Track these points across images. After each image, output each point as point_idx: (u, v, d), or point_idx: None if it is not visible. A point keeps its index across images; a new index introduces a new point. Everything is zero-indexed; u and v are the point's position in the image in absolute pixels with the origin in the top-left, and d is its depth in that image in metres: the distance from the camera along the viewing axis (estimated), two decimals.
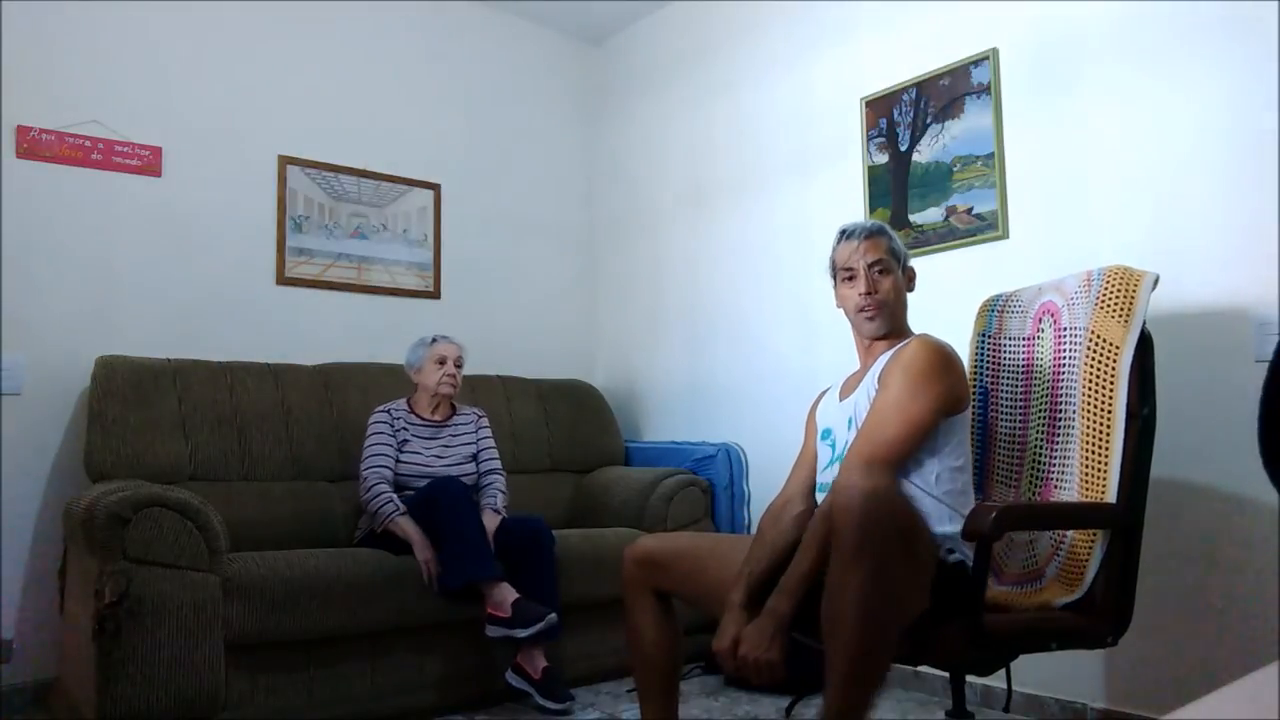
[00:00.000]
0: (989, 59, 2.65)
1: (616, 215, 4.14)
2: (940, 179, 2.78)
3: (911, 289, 1.89)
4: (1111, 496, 1.69)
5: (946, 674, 2.13)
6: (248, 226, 3.27)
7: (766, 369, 3.33)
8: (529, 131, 4.07)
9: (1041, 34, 2.55)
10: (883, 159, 2.96)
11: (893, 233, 1.87)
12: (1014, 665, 1.75)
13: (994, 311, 2.11)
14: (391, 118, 3.65)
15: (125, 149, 3.01)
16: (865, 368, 1.85)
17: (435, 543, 2.57)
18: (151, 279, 3.04)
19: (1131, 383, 1.71)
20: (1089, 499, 1.72)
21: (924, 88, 2.84)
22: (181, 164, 3.13)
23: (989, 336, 2.09)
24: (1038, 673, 2.32)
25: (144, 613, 2.09)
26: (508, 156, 3.98)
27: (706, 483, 3.30)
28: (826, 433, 1.87)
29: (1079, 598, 1.68)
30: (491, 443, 3.00)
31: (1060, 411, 1.86)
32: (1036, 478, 1.90)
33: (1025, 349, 2.00)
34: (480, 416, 3.04)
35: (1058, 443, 1.86)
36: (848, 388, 1.88)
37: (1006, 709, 2.20)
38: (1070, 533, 1.76)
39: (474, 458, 2.95)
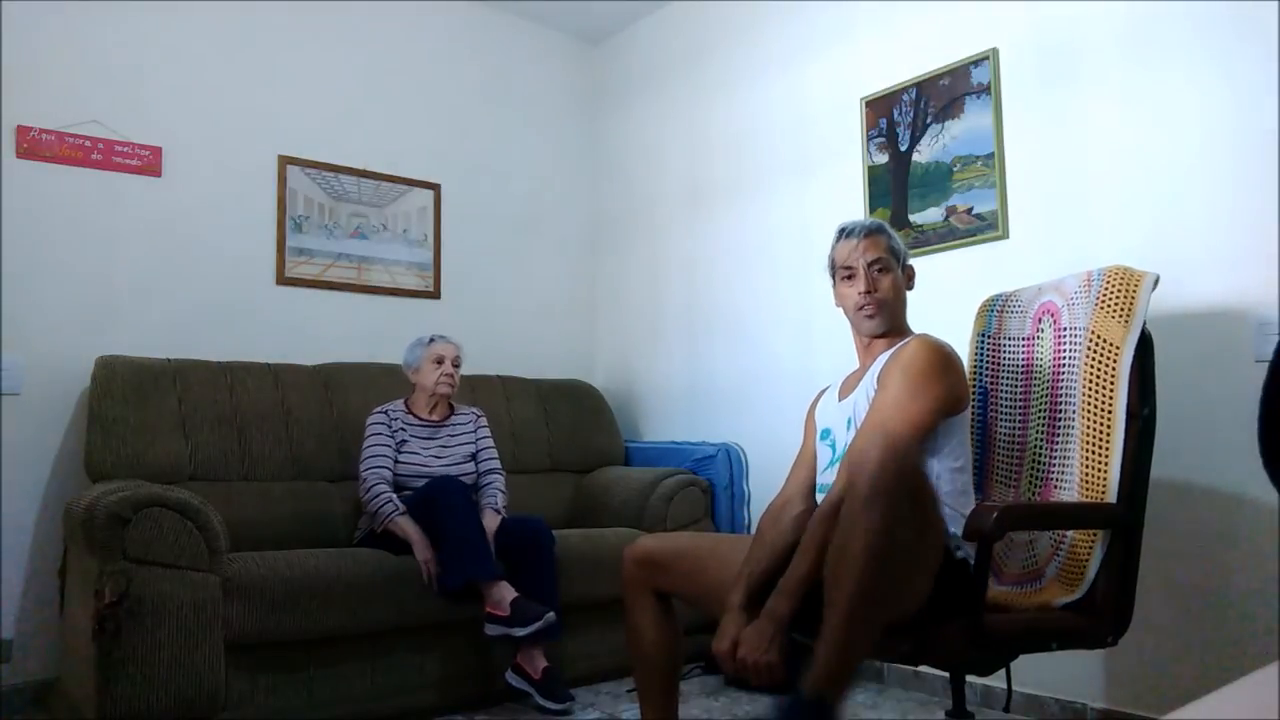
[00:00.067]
0: (989, 59, 2.65)
1: (617, 215, 4.14)
2: (940, 179, 2.78)
3: (911, 287, 1.89)
4: (1112, 497, 1.69)
5: (946, 674, 2.13)
6: (248, 226, 3.27)
7: (766, 369, 3.33)
8: (529, 131, 4.07)
9: (1041, 34, 2.55)
10: (883, 159, 2.96)
11: (892, 231, 1.87)
12: (1014, 665, 1.75)
13: (993, 311, 2.11)
14: (391, 118, 3.65)
15: (125, 149, 3.01)
16: (864, 367, 1.85)
17: (434, 542, 2.57)
18: (151, 279, 3.04)
19: (1132, 383, 1.71)
20: (1089, 499, 1.72)
21: (924, 88, 2.84)
22: (181, 164, 3.13)
23: (988, 336, 2.09)
24: (1038, 673, 2.32)
25: (144, 613, 2.09)
26: (508, 156, 3.98)
27: (706, 483, 3.30)
28: (826, 433, 1.87)
29: (1079, 598, 1.68)
30: (490, 442, 3.00)
31: (1060, 412, 1.86)
32: (1036, 478, 1.90)
33: (1025, 349, 2.00)
34: (479, 416, 3.04)
35: (1057, 443, 1.86)
36: (847, 387, 1.88)
37: (1006, 709, 2.20)
38: (1070, 533, 1.76)
39: (473, 457, 2.94)
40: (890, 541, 1.36)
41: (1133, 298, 1.75)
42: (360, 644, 2.46)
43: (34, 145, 2.85)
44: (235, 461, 2.85)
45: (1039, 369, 1.95)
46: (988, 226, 2.65)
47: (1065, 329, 1.89)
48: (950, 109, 2.76)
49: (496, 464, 2.97)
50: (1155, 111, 2.29)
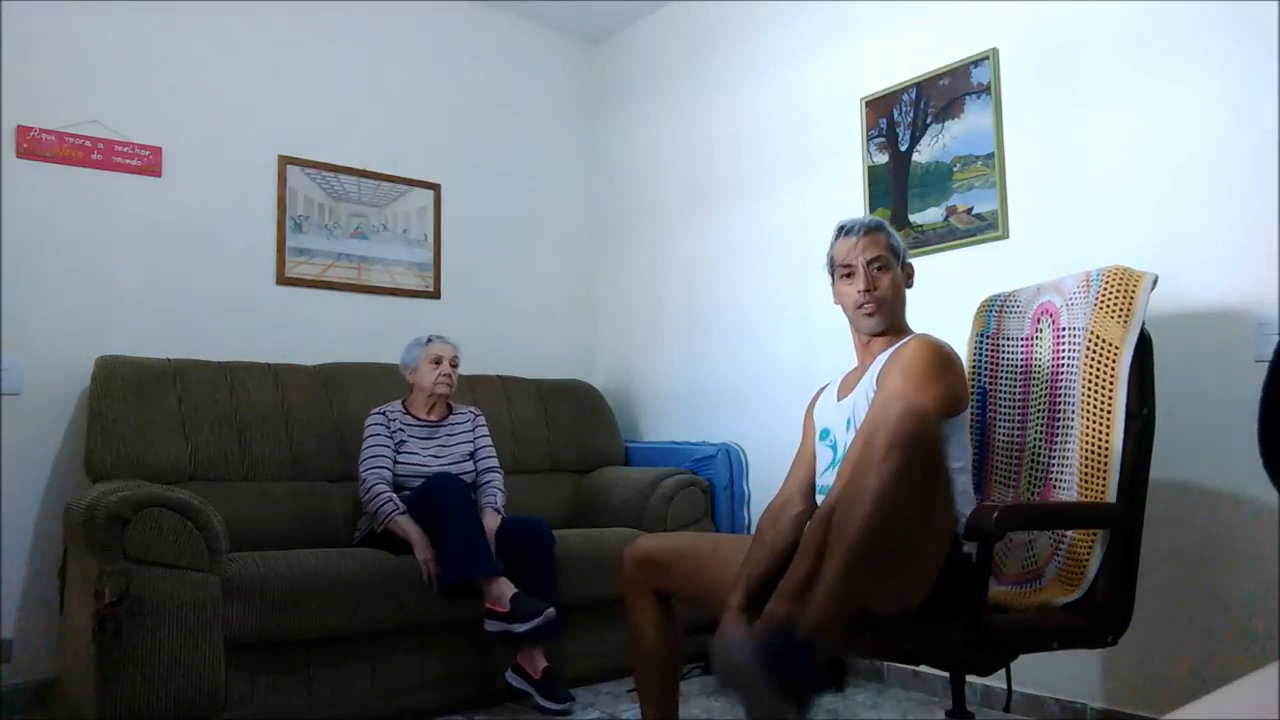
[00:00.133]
0: (989, 59, 2.65)
1: (617, 215, 4.14)
2: (940, 179, 2.78)
3: (910, 285, 1.89)
4: (1111, 497, 1.69)
5: (946, 674, 2.13)
6: (248, 226, 3.27)
7: (766, 369, 3.33)
8: (529, 131, 4.07)
9: (1041, 34, 2.55)
10: (883, 159, 2.96)
11: (891, 229, 1.87)
12: (1014, 665, 1.75)
13: (992, 312, 2.11)
14: (391, 118, 3.65)
15: (125, 149, 3.02)
16: (863, 366, 1.85)
17: (434, 540, 2.57)
18: (151, 279, 3.04)
19: (1131, 383, 1.71)
20: (1088, 499, 1.73)
21: (924, 88, 2.84)
22: (181, 164, 3.13)
23: (987, 337, 2.09)
24: (1038, 673, 2.32)
25: (144, 613, 2.09)
26: (507, 156, 3.98)
27: (706, 483, 3.30)
28: (825, 433, 1.87)
29: (1079, 597, 1.68)
30: (489, 441, 3.00)
31: (1059, 412, 1.86)
32: (1035, 478, 1.90)
33: (1024, 349, 2.00)
34: (477, 415, 3.04)
35: (1056, 443, 1.86)
36: (846, 386, 1.88)
37: (1007, 709, 2.20)
38: (1070, 533, 1.76)
39: (471, 456, 2.95)
40: (899, 496, 1.36)
41: (1131, 298, 1.75)
42: (360, 644, 2.46)
43: (34, 145, 2.85)
44: (235, 461, 2.85)
45: (1038, 369, 1.95)
46: (988, 226, 2.65)
47: (1064, 329, 1.89)
48: (950, 109, 2.76)
49: (495, 462, 2.97)
50: (1155, 112, 2.29)
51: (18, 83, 2.83)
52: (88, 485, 2.54)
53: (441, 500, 2.58)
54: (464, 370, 3.19)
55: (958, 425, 1.72)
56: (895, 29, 2.95)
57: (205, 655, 2.17)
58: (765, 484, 3.15)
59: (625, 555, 1.86)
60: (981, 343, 2.10)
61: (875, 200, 2.97)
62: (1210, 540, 2.13)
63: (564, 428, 3.61)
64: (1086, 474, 1.74)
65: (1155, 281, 1.77)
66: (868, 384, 1.77)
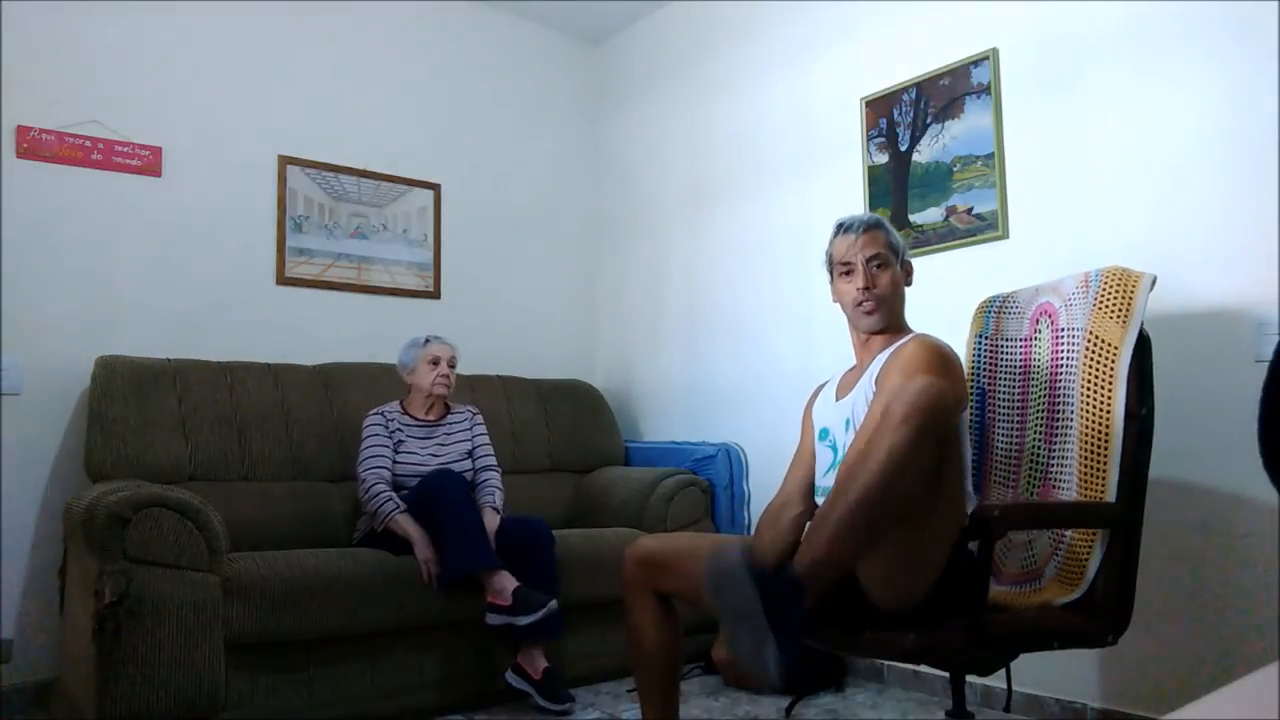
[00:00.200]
0: (989, 59, 2.65)
1: (616, 215, 4.14)
2: (940, 179, 2.78)
3: (909, 283, 1.88)
4: (1111, 496, 1.69)
5: (946, 674, 2.13)
6: (248, 226, 3.27)
7: (766, 369, 3.33)
8: (529, 131, 4.07)
9: (1041, 34, 2.55)
10: (883, 159, 2.96)
11: (890, 226, 1.87)
12: (1014, 665, 1.75)
13: (991, 312, 2.11)
14: (391, 118, 3.65)
15: (125, 149, 3.02)
16: (862, 366, 1.85)
17: (434, 535, 2.57)
18: (151, 279, 3.04)
19: (1130, 383, 1.71)
20: (1088, 499, 1.73)
21: (924, 88, 2.84)
22: (181, 164, 3.13)
23: (986, 337, 2.09)
24: (1038, 673, 2.32)
25: (144, 613, 2.09)
26: (507, 156, 3.98)
27: (706, 483, 3.30)
28: (824, 433, 1.87)
29: (1078, 597, 1.68)
30: (486, 439, 3.00)
31: (1058, 412, 1.86)
32: (1034, 478, 1.90)
33: (1022, 350, 2.00)
34: (475, 414, 3.04)
35: (1056, 443, 1.86)
36: (844, 386, 1.88)
37: (1007, 709, 2.20)
38: (1069, 532, 1.76)
39: (469, 455, 2.94)
40: (908, 459, 1.37)
41: (1130, 298, 1.75)
42: (360, 644, 2.46)
43: (34, 145, 2.85)
44: (235, 461, 2.85)
45: (1037, 370, 1.95)
46: (988, 226, 2.65)
47: (1063, 330, 1.89)
48: (950, 109, 2.76)
49: (492, 461, 2.97)
50: (1155, 111, 2.29)
51: (18, 83, 2.83)
52: (88, 485, 2.54)
53: (441, 496, 2.58)
54: (464, 370, 3.19)
55: (957, 425, 1.72)
56: (895, 29, 2.95)
57: (205, 655, 2.17)
58: (765, 484, 3.15)
59: (626, 555, 1.86)
60: (980, 343, 2.10)
61: (875, 200, 2.97)
62: (1210, 540, 2.13)
63: (564, 428, 3.61)
64: (1086, 474, 1.74)
65: (1154, 282, 1.77)
66: (867, 385, 1.76)
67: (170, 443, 2.73)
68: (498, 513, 2.78)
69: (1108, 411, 1.72)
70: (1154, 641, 2.17)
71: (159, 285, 3.05)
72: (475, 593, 2.53)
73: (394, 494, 2.70)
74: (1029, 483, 1.91)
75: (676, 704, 1.85)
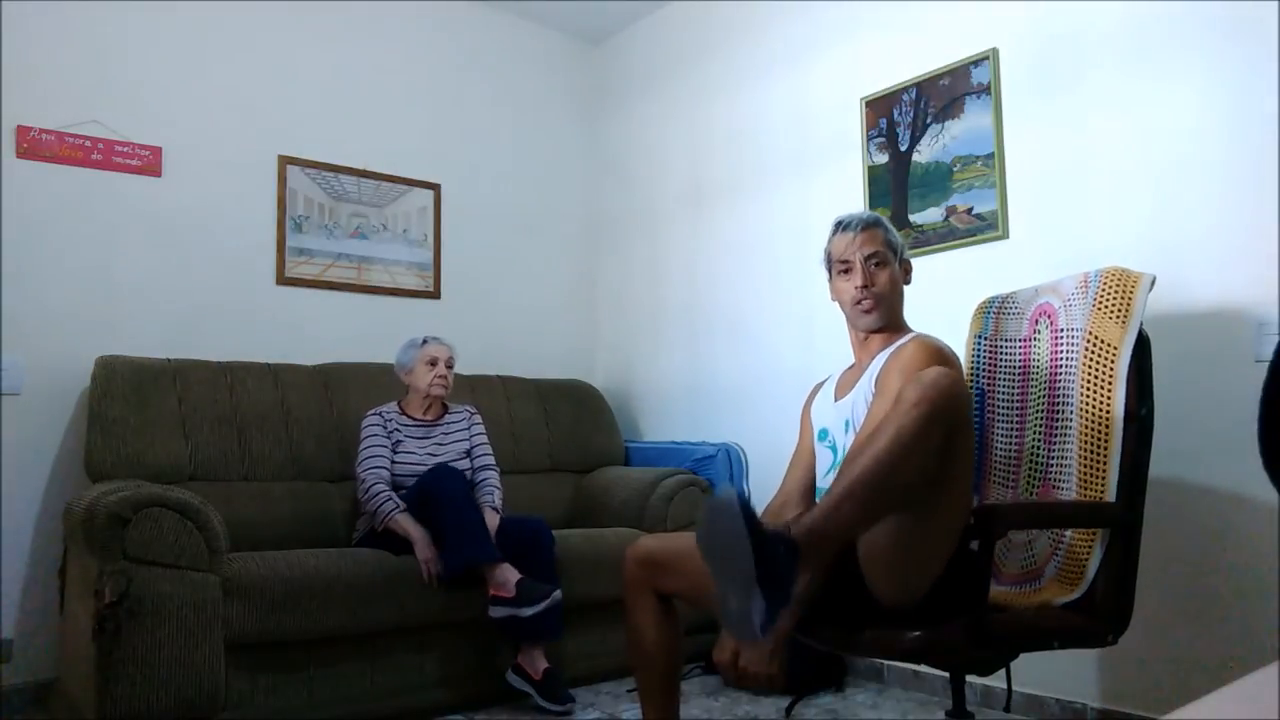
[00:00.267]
0: (989, 59, 2.65)
1: (616, 215, 4.14)
2: (940, 179, 2.78)
3: (908, 282, 1.88)
4: (1111, 497, 1.69)
5: (946, 674, 2.13)
6: (248, 227, 3.27)
7: (767, 369, 3.33)
8: (529, 131, 4.07)
9: (1041, 34, 2.55)
10: (883, 159, 2.96)
11: (889, 224, 1.86)
12: (1014, 665, 1.75)
13: (990, 313, 2.11)
14: (391, 118, 3.65)
15: (125, 149, 3.02)
16: (861, 365, 1.84)
17: (434, 530, 2.57)
18: (151, 279, 3.04)
19: (1129, 383, 1.71)
20: (1088, 499, 1.73)
21: (924, 88, 2.84)
22: (181, 164, 3.13)
23: (985, 338, 2.09)
24: (1038, 673, 2.32)
25: (144, 613, 2.09)
26: (507, 156, 3.98)
27: (706, 483, 3.30)
28: (824, 433, 1.86)
29: (1078, 597, 1.68)
30: (485, 439, 3.00)
31: (1058, 413, 1.86)
32: (1034, 478, 1.90)
33: (1022, 350, 2.00)
34: (473, 414, 3.04)
35: (1055, 443, 1.86)
36: (844, 386, 1.87)
37: (1007, 709, 2.20)
38: (1069, 532, 1.76)
39: (468, 454, 2.94)
40: (915, 441, 1.38)
41: (1130, 298, 1.75)
42: (360, 644, 2.46)
43: (34, 145, 2.85)
44: (235, 461, 2.85)
45: (1036, 370, 1.95)
46: (988, 226, 2.65)
47: (1062, 330, 1.89)
48: (950, 109, 2.76)
49: (491, 460, 2.97)
50: (1155, 111, 2.29)
51: (18, 83, 2.83)
52: (88, 485, 2.54)
53: (440, 492, 2.58)
54: (464, 370, 3.19)
55: (967, 419, 1.71)
56: (895, 29, 2.95)
57: (205, 655, 2.17)
58: (765, 484, 3.15)
59: (627, 555, 1.86)
60: (980, 344, 2.10)
61: (875, 200, 2.97)
62: (1210, 540, 2.13)
63: (564, 428, 3.61)
64: (1085, 474, 1.74)
65: (1154, 282, 1.77)
66: (866, 386, 1.76)
67: (170, 443, 2.73)
68: (497, 512, 2.78)
69: (1107, 412, 1.72)
70: (1154, 641, 2.17)
71: (159, 285, 3.05)
72: (476, 591, 2.53)
73: (393, 494, 2.70)
74: (1028, 483, 1.91)
75: (677, 704, 1.85)
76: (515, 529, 2.71)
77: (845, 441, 1.76)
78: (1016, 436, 1.96)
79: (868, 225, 1.81)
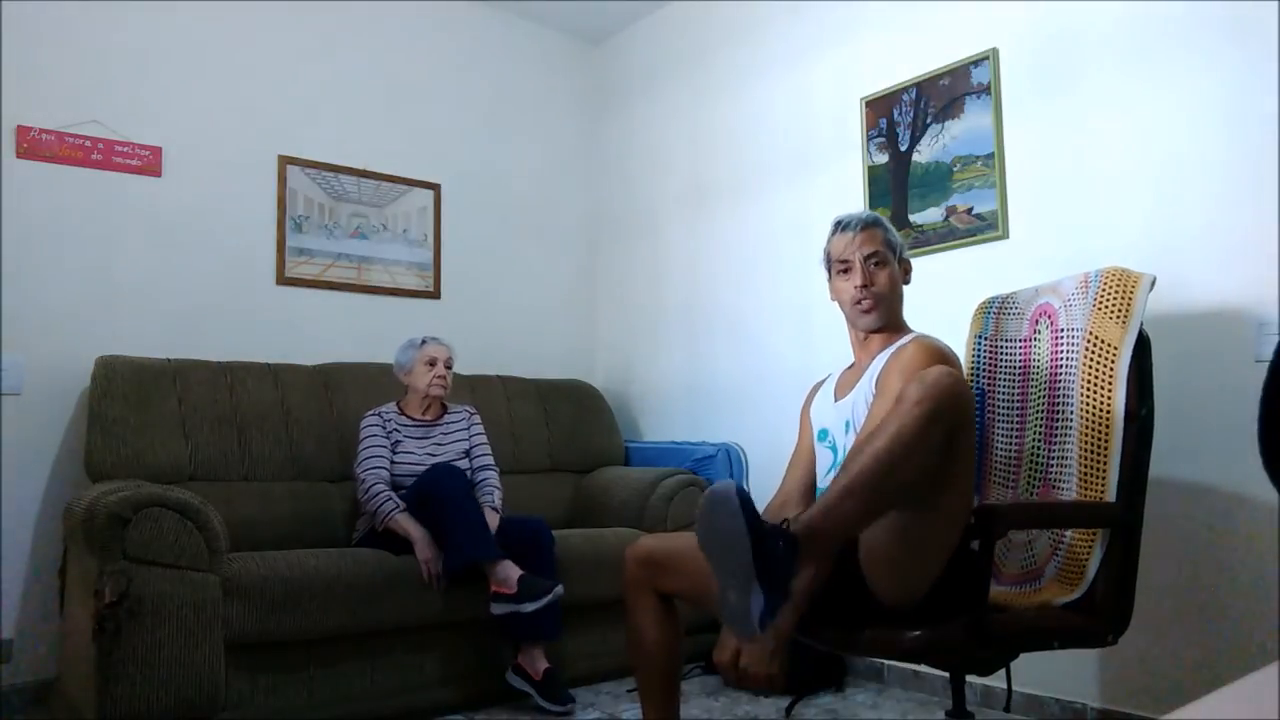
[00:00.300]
0: (989, 59, 2.65)
1: (616, 215, 4.14)
2: (940, 179, 2.78)
3: (908, 282, 1.88)
4: (1111, 497, 1.69)
5: (946, 674, 2.13)
6: (248, 226, 3.27)
7: (766, 369, 3.33)
8: (529, 131, 4.07)
9: (1041, 34, 2.55)
10: (883, 159, 2.96)
11: (888, 224, 1.86)
12: (1014, 665, 1.75)
13: (990, 313, 2.11)
14: (391, 118, 3.65)
15: (125, 149, 3.01)
16: (861, 366, 1.84)
17: (435, 529, 2.56)
18: (151, 279, 3.04)
19: (1129, 383, 1.71)
20: (1088, 499, 1.73)
21: (924, 88, 2.84)
22: (181, 164, 3.13)
23: (985, 338, 2.09)
24: (1038, 673, 2.32)
25: (144, 613, 2.09)
26: (508, 156, 3.98)
27: (706, 483, 3.29)
28: (823, 434, 1.86)
29: (1079, 597, 1.68)
30: (484, 439, 3.00)
31: (1058, 413, 1.86)
32: (1034, 478, 1.90)
33: (1022, 350, 2.00)
34: (472, 414, 3.04)
35: (1055, 444, 1.86)
36: (843, 386, 1.87)
37: (1007, 709, 2.20)
38: (1069, 532, 1.76)
39: (467, 454, 2.94)
40: (916, 439, 1.37)
41: (1130, 299, 1.75)
42: (360, 644, 2.46)
43: (34, 145, 2.85)
44: (235, 461, 2.85)
45: (1036, 370, 1.95)
46: (988, 226, 2.65)
47: (1063, 330, 1.89)
48: (950, 109, 2.76)
49: (490, 460, 2.97)
50: (1155, 111, 2.29)
51: (18, 83, 2.83)
52: (88, 485, 2.54)
53: (440, 490, 2.58)
54: (464, 370, 3.19)
55: (970, 420, 1.71)
56: (895, 29, 2.95)
57: (205, 655, 2.17)
58: (765, 484, 3.14)
59: (627, 555, 1.86)
60: (980, 344, 2.10)
61: (875, 200, 2.97)
62: (1210, 540, 2.13)
63: (564, 428, 3.61)
64: (1085, 474, 1.74)
65: (1154, 282, 1.77)
66: (866, 386, 1.76)
67: (170, 443, 2.73)
68: (497, 512, 2.78)
69: (1107, 412, 1.72)
70: (1154, 641, 2.17)
71: (159, 285, 3.05)
72: (476, 591, 2.52)
73: (393, 494, 2.70)
74: (1028, 483, 1.91)
75: (677, 704, 1.85)
76: (515, 529, 2.71)
77: (845, 442, 1.76)
78: (1017, 437, 1.96)
79: (867, 225, 1.81)
